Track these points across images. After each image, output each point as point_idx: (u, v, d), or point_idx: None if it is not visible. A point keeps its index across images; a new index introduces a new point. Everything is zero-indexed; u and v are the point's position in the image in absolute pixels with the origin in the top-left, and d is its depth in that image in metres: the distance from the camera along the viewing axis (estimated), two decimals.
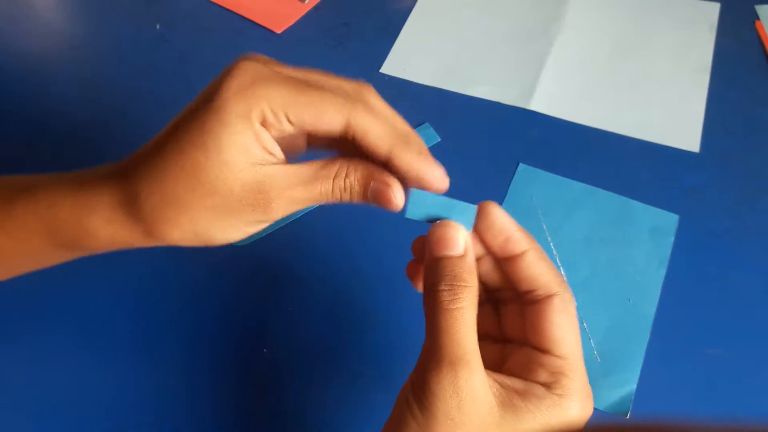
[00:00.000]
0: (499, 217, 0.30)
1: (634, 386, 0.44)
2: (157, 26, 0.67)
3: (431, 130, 0.57)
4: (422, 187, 0.30)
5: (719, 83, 0.59)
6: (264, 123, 0.28)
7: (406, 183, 0.30)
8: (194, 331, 0.47)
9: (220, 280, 0.49)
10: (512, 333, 0.32)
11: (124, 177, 0.29)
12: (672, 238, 0.50)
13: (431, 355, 0.27)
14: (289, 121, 0.28)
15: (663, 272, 0.48)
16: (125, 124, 0.59)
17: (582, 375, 0.29)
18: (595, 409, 0.43)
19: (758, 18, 0.64)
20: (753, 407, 0.43)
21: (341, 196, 0.30)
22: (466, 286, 0.28)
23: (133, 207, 0.29)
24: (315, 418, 0.44)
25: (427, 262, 0.30)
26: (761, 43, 0.62)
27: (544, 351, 0.29)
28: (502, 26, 0.66)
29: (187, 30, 0.67)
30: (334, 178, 0.29)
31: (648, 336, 0.45)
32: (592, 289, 0.48)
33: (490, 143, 0.57)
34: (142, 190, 0.28)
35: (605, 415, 0.43)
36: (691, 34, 0.64)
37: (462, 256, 0.29)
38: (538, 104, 0.59)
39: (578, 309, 0.46)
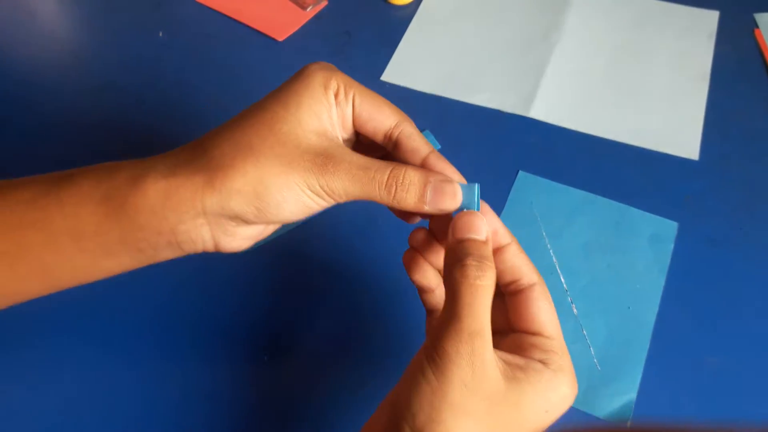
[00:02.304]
0: (488, 211, 0.33)
1: (635, 394, 0.43)
2: (160, 34, 0.68)
3: (432, 138, 0.57)
4: None
5: (718, 91, 0.60)
6: (336, 97, 0.31)
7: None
8: (193, 338, 0.47)
9: (220, 288, 0.49)
10: (494, 325, 0.33)
11: (194, 142, 0.31)
12: (671, 246, 0.50)
13: (451, 325, 0.28)
14: (353, 106, 0.32)
15: (662, 280, 0.48)
16: (128, 131, 0.59)
17: (568, 355, 0.31)
18: (595, 417, 0.43)
19: (757, 26, 0.65)
20: (753, 415, 0.42)
21: (396, 190, 0.31)
22: (491, 267, 0.29)
23: (197, 159, 0.30)
24: (317, 426, 0.44)
25: (452, 243, 0.31)
26: (760, 51, 0.63)
27: (534, 333, 0.31)
28: (502, 34, 0.66)
29: (189, 38, 0.67)
30: (392, 169, 0.31)
31: (648, 344, 0.45)
32: (592, 297, 0.48)
33: (489, 151, 0.57)
34: (214, 142, 0.30)
35: (606, 423, 0.43)
36: (690, 43, 0.64)
37: (486, 242, 0.31)
38: (538, 112, 0.59)
39: (578, 317, 0.46)
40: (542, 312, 0.32)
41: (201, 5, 0.70)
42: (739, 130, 0.57)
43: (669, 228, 0.51)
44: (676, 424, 0.42)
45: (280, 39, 0.67)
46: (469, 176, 0.52)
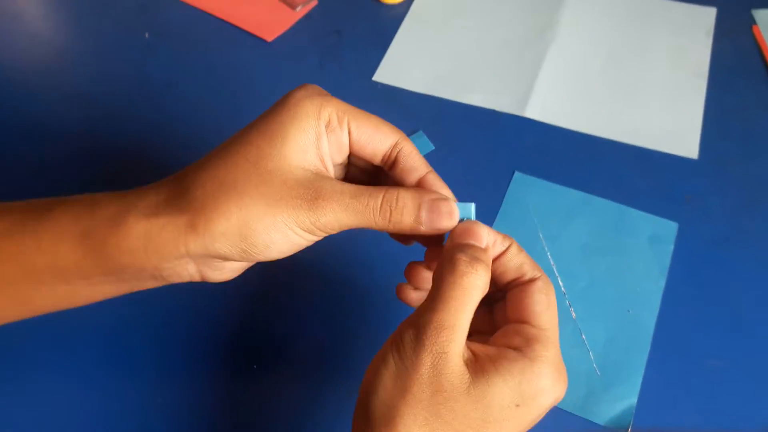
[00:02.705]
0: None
1: (635, 399, 0.42)
2: (146, 35, 0.66)
3: (425, 139, 0.56)
4: None
5: (717, 89, 0.59)
6: (327, 127, 0.30)
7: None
8: (182, 347, 0.46)
9: (209, 296, 0.48)
10: (478, 327, 0.33)
11: (177, 178, 0.30)
12: (671, 247, 0.49)
13: (424, 315, 0.28)
14: (349, 131, 0.31)
15: (663, 282, 0.47)
16: (114, 133, 0.58)
17: (556, 349, 0.29)
18: (595, 424, 0.42)
19: (755, 22, 0.64)
20: (755, 419, 0.41)
21: (391, 215, 0.30)
22: (485, 268, 0.29)
23: (179, 199, 0.29)
24: None
25: (448, 246, 0.30)
26: (758, 48, 0.62)
27: (522, 321, 0.30)
28: (496, 33, 0.65)
29: (176, 39, 0.66)
30: (385, 193, 0.30)
31: (648, 348, 0.44)
32: (591, 300, 0.46)
33: (484, 151, 0.56)
34: (196, 180, 0.29)
35: (606, 430, 0.41)
36: (687, 40, 0.63)
37: (485, 249, 0.30)
38: (534, 111, 0.58)
39: (576, 320, 0.45)
40: (536, 303, 0.30)
41: (188, 6, 0.69)
42: (738, 127, 0.56)
43: (669, 228, 0.50)
44: (678, 430, 0.41)
45: (269, 39, 0.65)
46: (464, 178, 0.52)
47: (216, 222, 0.28)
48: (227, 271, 0.32)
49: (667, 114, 0.57)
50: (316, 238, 0.30)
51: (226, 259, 0.30)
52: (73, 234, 0.29)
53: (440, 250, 0.32)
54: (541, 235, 0.50)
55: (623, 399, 0.42)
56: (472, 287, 0.28)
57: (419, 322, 0.28)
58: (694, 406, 0.42)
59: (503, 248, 0.32)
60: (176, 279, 0.31)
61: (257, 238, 0.28)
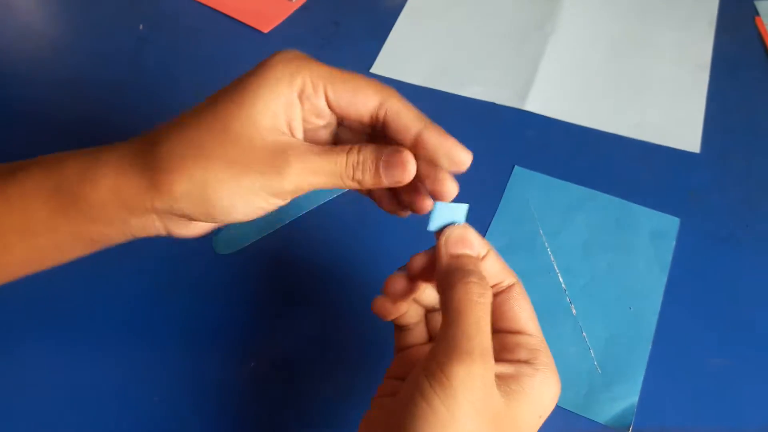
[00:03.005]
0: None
1: (636, 398, 0.42)
2: (141, 26, 0.65)
3: None
4: (452, 163, 0.30)
5: (719, 81, 0.58)
6: (301, 94, 0.29)
7: (433, 162, 0.30)
8: (179, 344, 0.45)
9: (206, 293, 0.48)
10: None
11: (146, 134, 0.30)
12: (673, 243, 0.48)
13: (459, 345, 0.26)
14: (327, 98, 0.30)
15: (664, 278, 0.47)
16: (105, 127, 0.57)
17: (549, 350, 0.31)
18: (596, 423, 0.41)
19: (758, 14, 0.63)
20: (758, 418, 0.41)
21: (354, 172, 0.30)
22: (488, 285, 0.29)
23: (146, 155, 0.29)
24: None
25: (447, 259, 0.30)
26: (761, 40, 0.61)
27: (517, 332, 0.31)
28: (496, 24, 0.64)
29: (170, 30, 0.65)
30: (348, 151, 0.30)
31: (650, 345, 0.44)
32: (592, 297, 0.46)
33: (484, 145, 0.54)
34: (164, 137, 0.29)
35: (607, 429, 0.41)
36: (689, 31, 0.62)
37: (479, 258, 0.31)
38: (534, 105, 0.57)
39: (577, 317, 0.45)
40: (523, 310, 0.31)
41: None
42: (741, 121, 0.55)
43: (671, 224, 0.49)
44: (680, 430, 0.41)
45: (266, 31, 0.64)
46: (463, 172, 0.50)
47: (178, 182, 0.28)
48: (193, 228, 0.32)
49: (668, 107, 0.56)
50: (281, 203, 0.30)
51: (189, 218, 0.30)
52: (42, 191, 0.30)
53: (429, 254, 0.32)
54: (541, 231, 0.49)
55: (624, 397, 0.42)
56: (488, 308, 0.28)
57: (458, 354, 0.26)
58: (696, 404, 0.42)
59: (484, 252, 0.32)
60: (143, 233, 0.31)
61: (219, 201, 0.29)
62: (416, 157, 0.30)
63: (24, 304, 0.47)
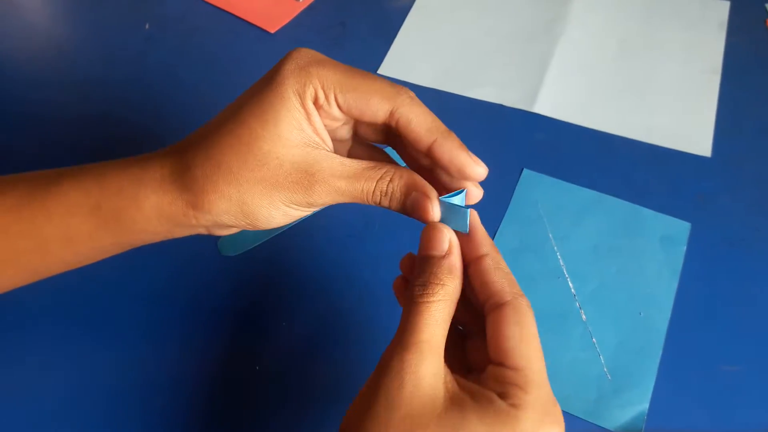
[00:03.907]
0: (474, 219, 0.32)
1: (647, 405, 0.41)
2: (146, 26, 0.65)
3: None
4: (465, 177, 0.31)
5: (730, 84, 0.57)
6: (315, 102, 0.29)
7: (446, 173, 0.31)
8: (185, 347, 0.45)
9: (211, 295, 0.47)
10: (477, 363, 0.31)
11: (178, 151, 0.31)
12: (684, 248, 0.48)
13: (395, 341, 0.28)
14: (338, 104, 0.29)
15: (675, 283, 0.46)
16: (112, 127, 0.57)
17: (540, 387, 0.27)
18: (605, 430, 0.41)
19: None
20: None
21: (380, 200, 0.30)
22: (438, 284, 0.29)
23: (183, 176, 0.30)
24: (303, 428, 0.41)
25: (416, 264, 0.31)
26: None
27: (498, 364, 0.28)
28: (504, 25, 0.63)
29: (176, 30, 0.65)
30: (379, 179, 0.30)
31: (660, 351, 0.43)
32: (602, 302, 0.45)
33: (492, 148, 0.54)
34: (196, 159, 0.29)
35: None
36: (700, 34, 0.61)
37: (443, 257, 0.30)
38: (543, 107, 0.56)
39: (587, 323, 0.44)
40: (505, 339, 0.28)
41: None
42: (752, 124, 0.55)
43: (681, 229, 0.48)
44: None
45: (272, 31, 0.64)
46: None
47: (217, 203, 0.29)
48: (235, 230, 0.33)
49: (679, 110, 0.56)
50: (316, 209, 0.31)
51: (233, 227, 0.31)
52: (83, 207, 0.30)
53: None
54: (550, 235, 0.49)
55: (634, 404, 0.41)
56: (430, 306, 0.28)
57: (389, 347, 0.28)
58: (707, 412, 0.41)
59: (482, 253, 0.30)
60: (187, 234, 0.32)
61: (258, 214, 0.30)
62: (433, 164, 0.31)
63: (25, 304, 0.47)
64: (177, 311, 0.46)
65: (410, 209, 0.30)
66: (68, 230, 0.31)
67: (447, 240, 0.30)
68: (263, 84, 0.30)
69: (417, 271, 0.30)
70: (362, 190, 0.30)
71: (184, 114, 0.58)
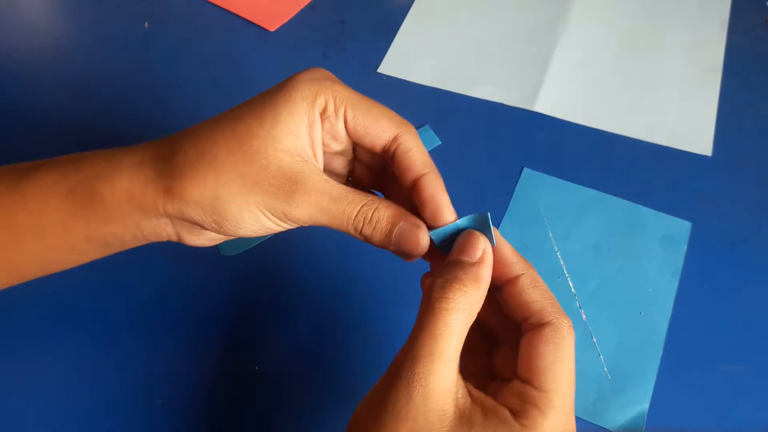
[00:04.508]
0: (498, 238, 0.30)
1: (647, 405, 0.41)
2: (146, 24, 0.65)
3: (431, 133, 0.54)
4: (433, 218, 0.30)
5: (731, 83, 0.57)
6: (323, 114, 0.29)
7: (420, 210, 0.30)
8: (184, 347, 0.45)
9: (210, 294, 0.47)
10: (503, 373, 0.30)
11: (166, 140, 0.30)
12: (684, 247, 0.47)
13: (406, 348, 0.27)
14: (345, 121, 0.29)
15: (676, 283, 0.46)
16: (112, 124, 0.57)
17: (561, 415, 0.26)
18: (606, 430, 0.41)
19: None
20: None
21: (363, 227, 0.29)
22: (461, 289, 0.27)
23: (163, 162, 0.29)
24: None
25: (446, 262, 0.30)
26: None
27: (525, 381, 0.27)
28: (505, 24, 0.63)
29: (176, 28, 0.64)
30: (364, 205, 0.29)
31: (661, 351, 0.43)
32: (602, 302, 0.45)
33: (492, 147, 0.54)
34: (181, 146, 0.29)
35: None
36: (701, 33, 0.61)
37: (473, 264, 0.28)
38: (543, 106, 0.56)
39: (587, 323, 0.44)
40: (540, 358, 0.27)
41: None
42: (753, 123, 0.54)
43: (682, 228, 0.48)
44: None
45: (272, 29, 0.64)
46: (471, 174, 0.50)
47: (190, 190, 0.28)
48: (203, 238, 0.32)
49: (680, 109, 0.56)
50: (287, 227, 0.30)
51: (200, 226, 0.30)
52: (59, 191, 0.30)
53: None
54: (550, 234, 0.48)
55: (635, 404, 0.41)
56: (447, 313, 0.26)
57: (400, 355, 0.27)
58: (708, 412, 0.41)
59: (512, 275, 0.30)
60: (156, 238, 0.31)
61: (228, 213, 0.29)
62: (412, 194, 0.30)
63: (27, 304, 0.46)
64: (176, 311, 0.46)
65: (397, 241, 0.29)
66: (42, 217, 0.30)
67: (482, 248, 0.29)
68: (274, 89, 0.30)
69: (443, 270, 0.29)
70: (343, 212, 0.29)
71: (184, 112, 0.57)
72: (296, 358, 0.44)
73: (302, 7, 0.65)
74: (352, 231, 0.30)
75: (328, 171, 0.34)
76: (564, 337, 0.27)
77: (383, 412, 0.26)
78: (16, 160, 0.54)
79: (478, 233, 0.29)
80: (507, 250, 0.30)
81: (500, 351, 0.31)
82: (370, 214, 0.29)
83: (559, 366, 0.27)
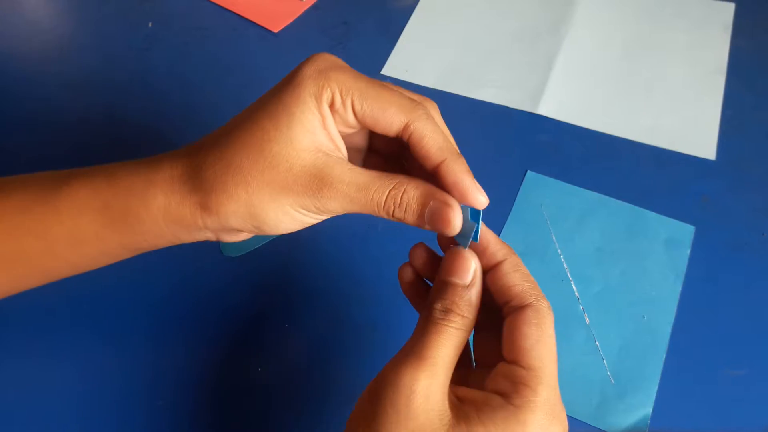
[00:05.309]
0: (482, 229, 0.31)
1: (650, 409, 0.41)
2: (150, 24, 0.65)
3: None
4: (463, 203, 0.30)
5: (735, 86, 0.57)
6: (331, 106, 0.29)
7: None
8: (188, 349, 0.45)
9: (214, 296, 0.47)
10: (484, 359, 0.32)
11: (190, 152, 0.30)
12: (688, 251, 0.47)
13: (403, 353, 0.28)
14: (354, 112, 0.29)
15: (679, 287, 0.46)
16: (114, 127, 0.57)
17: (550, 390, 0.27)
18: None
19: None
20: None
21: (393, 211, 0.29)
22: (459, 314, 0.29)
23: (193, 178, 0.29)
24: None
25: (436, 282, 0.30)
26: None
27: (511, 362, 0.28)
28: (509, 26, 0.63)
29: (180, 29, 0.64)
30: (391, 189, 0.29)
31: (664, 355, 0.43)
32: (605, 305, 0.45)
33: (496, 149, 0.54)
34: (207, 160, 0.29)
35: None
36: (705, 35, 0.61)
37: (466, 287, 0.29)
38: (547, 108, 0.56)
39: (590, 326, 0.44)
40: (524, 338, 0.28)
41: None
42: (757, 127, 0.54)
43: (685, 232, 0.48)
44: None
45: (276, 30, 0.64)
46: (475, 176, 0.50)
47: (226, 204, 0.29)
48: (242, 235, 0.33)
49: (683, 112, 0.56)
50: (326, 216, 0.30)
51: (241, 230, 0.31)
52: (93, 206, 0.31)
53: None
54: (553, 237, 0.48)
55: (638, 408, 0.41)
56: (446, 330, 0.28)
57: (399, 360, 0.28)
58: (711, 416, 0.41)
59: (495, 260, 0.30)
60: (192, 241, 0.32)
61: (266, 218, 0.29)
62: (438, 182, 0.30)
63: (28, 305, 0.46)
64: (180, 313, 0.46)
65: (430, 220, 0.29)
66: (77, 230, 0.31)
67: (472, 270, 0.29)
68: (282, 86, 0.29)
69: (436, 294, 0.29)
70: (372, 200, 0.29)
71: (187, 113, 0.57)
72: (299, 360, 0.44)
73: (306, 8, 0.65)
74: (385, 216, 0.30)
75: (350, 149, 0.33)
76: (545, 317, 0.29)
77: (383, 415, 0.26)
78: (20, 159, 0.55)
79: (466, 254, 0.30)
80: (490, 238, 0.31)
81: (478, 338, 0.32)
82: (399, 198, 0.29)
83: (543, 345, 0.28)
